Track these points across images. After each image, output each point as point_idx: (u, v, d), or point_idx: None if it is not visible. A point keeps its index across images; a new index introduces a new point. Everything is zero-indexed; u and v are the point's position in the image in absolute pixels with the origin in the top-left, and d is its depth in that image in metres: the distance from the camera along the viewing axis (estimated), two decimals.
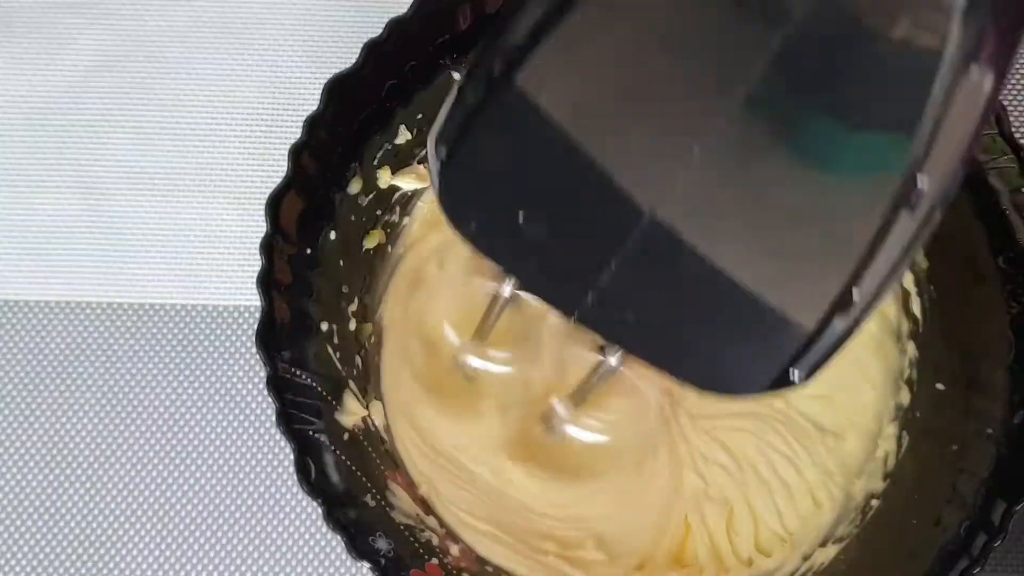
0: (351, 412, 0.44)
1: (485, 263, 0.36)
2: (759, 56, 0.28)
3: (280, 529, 0.47)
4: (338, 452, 0.42)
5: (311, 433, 0.41)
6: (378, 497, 0.43)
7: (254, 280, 0.41)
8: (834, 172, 0.29)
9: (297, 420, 0.41)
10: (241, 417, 0.48)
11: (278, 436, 0.47)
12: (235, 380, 0.49)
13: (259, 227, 0.41)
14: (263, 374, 0.40)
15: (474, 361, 0.46)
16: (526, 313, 0.45)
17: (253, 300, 0.49)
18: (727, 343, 0.32)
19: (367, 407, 0.46)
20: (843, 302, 0.29)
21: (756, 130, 0.29)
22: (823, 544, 0.45)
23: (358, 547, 0.39)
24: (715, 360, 0.33)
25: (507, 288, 0.41)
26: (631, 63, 0.30)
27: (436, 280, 0.47)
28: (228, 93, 0.53)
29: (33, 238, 0.50)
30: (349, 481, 0.42)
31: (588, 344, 0.44)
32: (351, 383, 0.45)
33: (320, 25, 0.54)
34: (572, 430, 0.46)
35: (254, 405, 0.48)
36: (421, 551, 0.42)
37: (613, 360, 0.40)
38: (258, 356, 0.40)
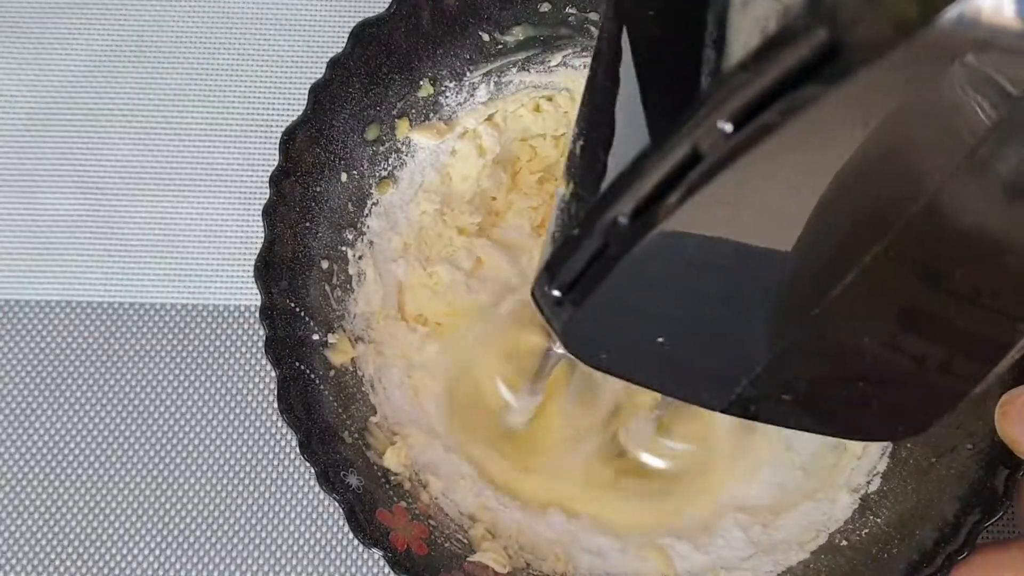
0: (341, 351, 0.45)
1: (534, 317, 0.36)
2: None
3: (279, 526, 0.47)
4: (322, 387, 0.43)
5: (297, 364, 0.42)
6: (356, 435, 0.43)
7: (254, 280, 0.41)
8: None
9: (286, 349, 0.41)
10: (242, 416, 0.48)
11: (279, 433, 0.48)
12: (236, 380, 0.49)
13: (260, 226, 0.42)
14: (264, 374, 0.40)
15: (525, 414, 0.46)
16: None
17: (253, 300, 0.49)
18: (894, 400, 0.32)
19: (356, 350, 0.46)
20: None
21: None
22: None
23: (329, 479, 0.39)
24: (876, 417, 0.32)
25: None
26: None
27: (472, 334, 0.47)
28: (227, 91, 0.53)
29: (33, 238, 0.51)
30: (330, 415, 0.42)
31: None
32: (344, 324, 0.46)
33: (319, 21, 0.54)
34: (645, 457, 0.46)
35: (255, 404, 0.48)
36: (391, 493, 0.42)
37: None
38: (261, 353, 0.39)
